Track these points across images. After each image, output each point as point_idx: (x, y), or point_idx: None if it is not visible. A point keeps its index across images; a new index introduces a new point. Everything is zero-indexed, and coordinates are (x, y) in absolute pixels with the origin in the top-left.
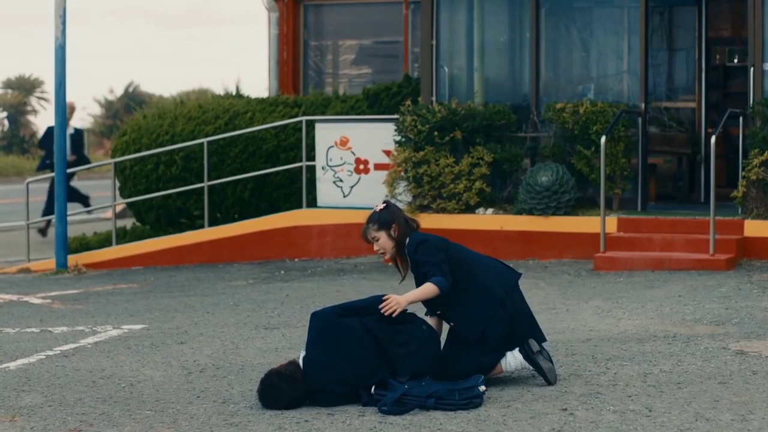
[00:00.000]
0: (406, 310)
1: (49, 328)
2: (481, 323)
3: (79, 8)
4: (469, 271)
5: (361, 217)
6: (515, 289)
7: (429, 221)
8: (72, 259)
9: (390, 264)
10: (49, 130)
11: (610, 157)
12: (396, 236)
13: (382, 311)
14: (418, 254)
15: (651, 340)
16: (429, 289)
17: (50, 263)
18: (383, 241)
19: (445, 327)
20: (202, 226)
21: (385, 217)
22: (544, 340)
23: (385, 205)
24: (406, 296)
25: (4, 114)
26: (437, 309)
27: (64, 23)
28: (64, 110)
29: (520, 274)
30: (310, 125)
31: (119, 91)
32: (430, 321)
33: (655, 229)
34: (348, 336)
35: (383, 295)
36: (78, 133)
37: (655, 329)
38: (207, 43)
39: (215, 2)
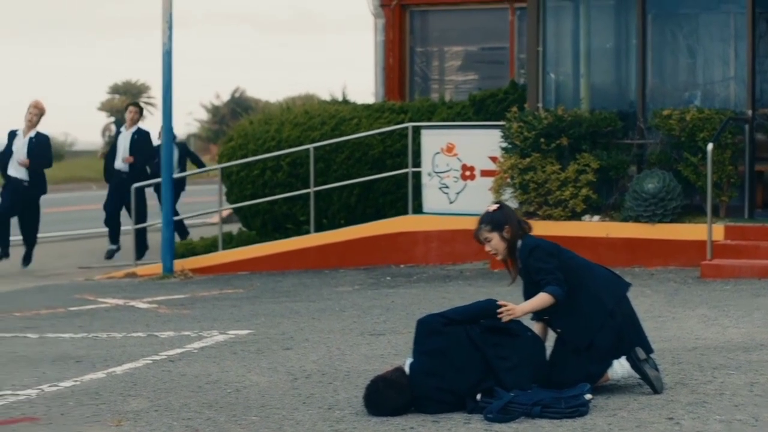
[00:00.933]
0: (509, 322)
1: (156, 333)
2: (590, 332)
3: (184, 12)
4: (580, 279)
5: (466, 224)
6: (625, 298)
7: (535, 228)
8: (178, 264)
9: (496, 271)
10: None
11: (717, 164)
12: (508, 238)
13: (498, 315)
14: (532, 260)
15: (758, 348)
16: (545, 299)
17: (156, 268)
18: (495, 243)
19: (551, 334)
20: (307, 232)
21: (499, 218)
22: (651, 351)
23: (498, 205)
24: (522, 306)
25: (112, 119)
26: (544, 315)
27: (170, 29)
28: (170, 115)
29: (630, 285)
30: (417, 131)
31: (225, 96)
32: (536, 327)
33: (762, 237)
34: (454, 344)
35: (488, 301)
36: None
37: (761, 338)
38: (313, 49)
39: (321, 8)
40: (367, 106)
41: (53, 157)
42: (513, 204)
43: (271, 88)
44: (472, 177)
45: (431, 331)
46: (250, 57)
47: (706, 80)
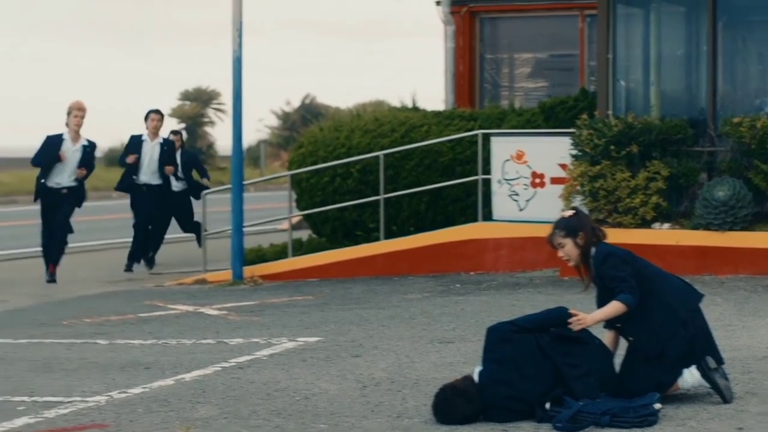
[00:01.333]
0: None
1: (225, 340)
2: (662, 341)
3: (255, 19)
4: (653, 288)
5: (536, 231)
6: (697, 309)
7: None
8: (248, 271)
9: (566, 278)
10: (133, 140)
11: None
12: (582, 245)
13: (569, 324)
14: (605, 267)
15: None
16: (617, 307)
17: (226, 274)
18: (569, 249)
19: (623, 342)
20: (377, 239)
21: (573, 224)
22: (722, 362)
23: (573, 211)
24: (594, 315)
25: (183, 125)
26: (616, 323)
27: (240, 36)
28: (240, 122)
29: (703, 295)
30: (486, 139)
31: (296, 103)
32: (607, 335)
33: None
34: (523, 353)
35: (558, 309)
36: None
37: None
38: (383, 55)
39: (390, 15)
40: (436, 113)
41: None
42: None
43: (341, 95)
44: (542, 184)
45: (501, 339)
46: (320, 63)
47: None
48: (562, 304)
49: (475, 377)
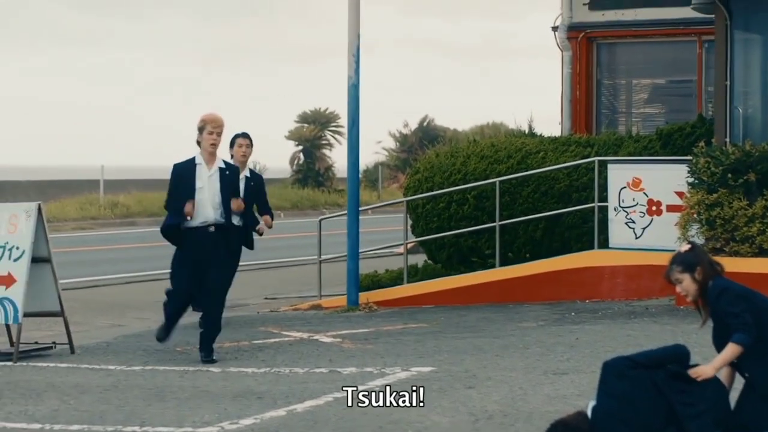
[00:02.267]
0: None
1: (338, 369)
2: None
3: (373, 39)
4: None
5: (652, 259)
6: None
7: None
8: (363, 297)
9: (681, 307)
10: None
11: None
12: (700, 279)
13: (688, 374)
14: (721, 303)
15: None
16: (734, 350)
17: (341, 300)
18: (686, 284)
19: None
20: (493, 266)
21: (690, 259)
22: None
23: (690, 246)
24: (713, 364)
25: (300, 148)
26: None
27: (357, 62)
28: (357, 149)
29: None
30: (603, 166)
31: (414, 125)
32: (723, 370)
33: None
34: (638, 390)
35: (676, 346)
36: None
37: None
38: (502, 76)
39: (508, 35)
40: (553, 139)
41: None
42: (699, 240)
43: (459, 116)
44: (659, 212)
45: (617, 375)
46: (437, 83)
47: None
48: (677, 333)
49: (588, 412)
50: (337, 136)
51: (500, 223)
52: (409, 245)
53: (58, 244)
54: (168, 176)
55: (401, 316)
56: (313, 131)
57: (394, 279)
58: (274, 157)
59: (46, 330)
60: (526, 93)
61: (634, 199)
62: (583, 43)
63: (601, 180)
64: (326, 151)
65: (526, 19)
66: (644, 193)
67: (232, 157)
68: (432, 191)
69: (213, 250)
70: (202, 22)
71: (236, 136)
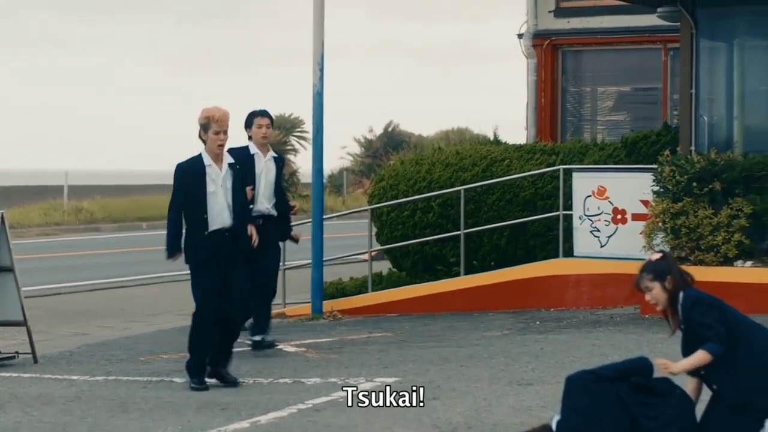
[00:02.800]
0: (657, 380)
1: (302, 379)
2: (749, 391)
3: (338, 44)
4: (741, 336)
5: (617, 268)
6: None
7: None
8: (328, 305)
9: (647, 316)
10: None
11: None
12: (670, 288)
13: (653, 363)
14: (694, 313)
15: None
16: (703, 357)
17: (306, 308)
18: (656, 293)
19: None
20: (458, 274)
21: (661, 268)
22: None
23: (661, 255)
24: (680, 364)
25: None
26: (700, 370)
27: (321, 70)
28: (321, 156)
29: None
30: (568, 174)
31: (379, 130)
32: (690, 382)
33: None
34: (603, 404)
35: (639, 359)
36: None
37: None
38: (465, 82)
39: (474, 41)
40: (518, 147)
41: None
42: (664, 248)
43: (424, 121)
44: (624, 221)
45: (581, 389)
46: (402, 88)
47: None
48: (642, 342)
49: (553, 426)
50: (302, 141)
51: (465, 231)
52: (373, 253)
53: (22, 250)
54: (135, 181)
55: (366, 324)
56: (277, 136)
57: (359, 287)
58: None
59: (9, 339)
60: (491, 99)
61: (599, 208)
62: (549, 51)
63: (566, 188)
64: (291, 157)
65: (492, 25)
66: (609, 201)
67: (250, 138)
68: (397, 199)
69: (231, 253)
70: (172, 25)
71: (254, 115)
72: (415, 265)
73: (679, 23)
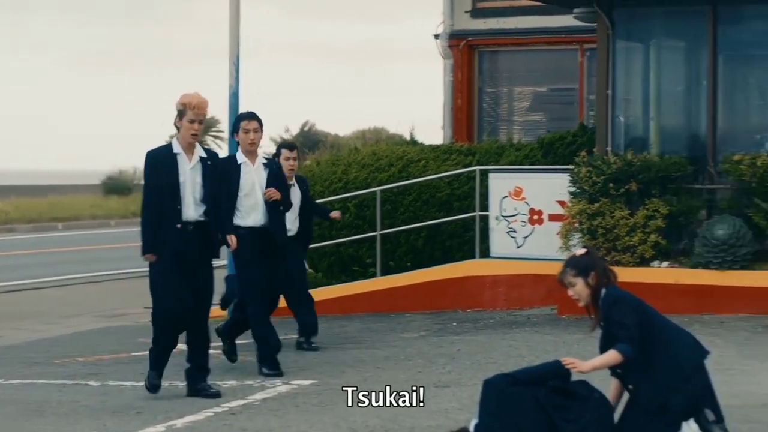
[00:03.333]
0: (575, 383)
1: (218, 382)
2: (664, 393)
3: (255, 42)
4: (659, 338)
5: (534, 269)
6: (703, 366)
7: None
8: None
9: (563, 317)
10: None
11: None
12: (593, 285)
13: (564, 365)
14: (613, 313)
15: None
16: (613, 357)
17: (220, 310)
18: (579, 288)
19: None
20: (374, 275)
21: (585, 264)
22: (722, 420)
23: (585, 250)
24: (591, 362)
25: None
26: (617, 368)
27: (237, 70)
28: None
29: (709, 352)
30: (484, 174)
31: (295, 130)
32: (613, 383)
33: None
34: (520, 408)
35: (556, 362)
36: None
37: None
38: (383, 81)
39: (390, 40)
40: (434, 148)
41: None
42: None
43: (341, 121)
44: (540, 221)
45: (498, 392)
46: (319, 87)
47: None
48: (559, 344)
49: (471, 429)
50: (218, 141)
51: (381, 232)
52: None
53: None
54: (50, 181)
55: (281, 326)
56: None
57: None
58: None
59: None
60: (407, 99)
61: (515, 209)
62: (465, 51)
63: (483, 189)
64: None
65: (408, 24)
66: (526, 202)
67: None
68: (313, 200)
69: (197, 250)
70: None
71: (240, 118)
72: (332, 266)
73: (595, 24)
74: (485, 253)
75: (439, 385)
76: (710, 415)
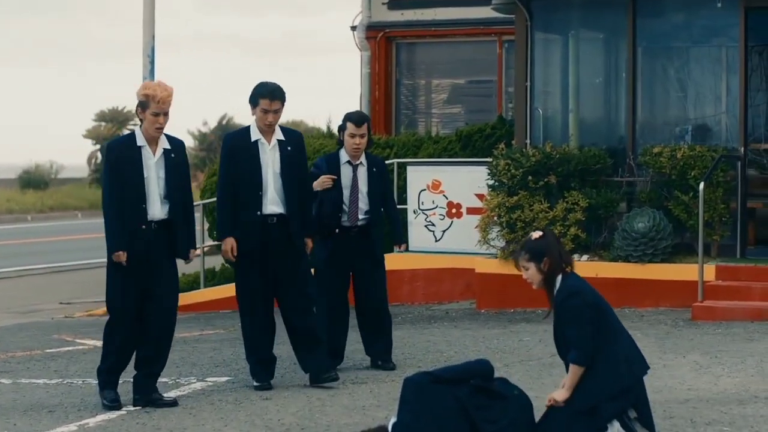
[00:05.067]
0: (496, 381)
1: (132, 380)
2: (599, 398)
3: (172, 35)
4: (609, 340)
5: (452, 262)
6: (641, 381)
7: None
8: None
9: (483, 311)
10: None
11: (708, 202)
12: (546, 270)
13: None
14: (567, 306)
15: (752, 401)
16: (576, 371)
17: None
18: (532, 273)
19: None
20: None
21: (538, 248)
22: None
23: (541, 234)
24: (563, 391)
25: (97, 147)
26: (564, 353)
27: (152, 62)
28: None
29: (649, 368)
30: (402, 167)
31: (213, 123)
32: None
33: (754, 278)
34: (440, 407)
35: (479, 361)
36: None
37: (756, 388)
38: (301, 74)
39: (308, 33)
40: None
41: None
42: (500, 243)
43: None
44: (459, 215)
45: (418, 391)
46: (237, 81)
47: (698, 115)
48: (478, 339)
49: (389, 427)
50: None
51: None
52: (206, 248)
53: None
54: None
55: (198, 322)
56: (110, 130)
57: (191, 283)
58: (72, 155)
59: None
60: (326, 92)
61: (433, 202)
62: (382, 43)
63: (401, 182)
64: None
65: (326, 17)
66: (444, 195)
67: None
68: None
69: (155, 251)
70: None
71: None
72: None
73: (513, 15)
74: None
75: (356, 382)
76: (632, 413)
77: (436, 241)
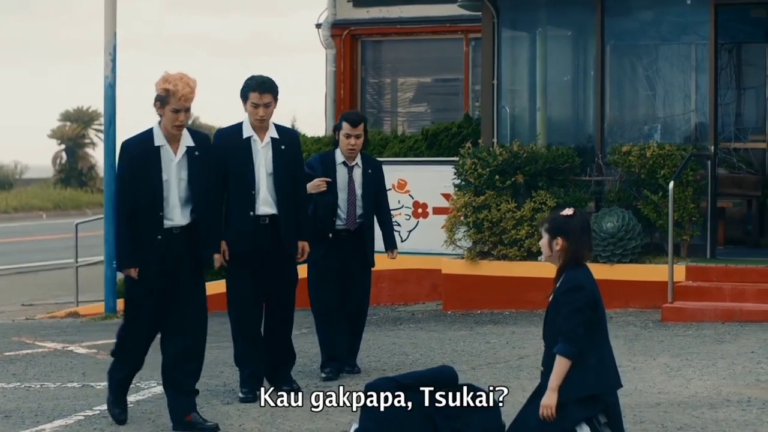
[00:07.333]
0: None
1: (92, 383)
2: (568, 397)
3: (136, 34)
4: (593, 343)
5: (418, 263)
6: (615, 395)
7: (489, 268)
8: (122, 303)
9: (449, 312)
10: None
11: (678, 202)
12: (557, 249)
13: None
14: (566, 298)
15: (724, 405)
16: (563, 364)
17: (99, 307)
18: (543, 243)
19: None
20: None
21: (559, 225)
22: None
23: (571, 214)
24: (550, 388)
25: (62, 147)
26: (550, 345)
27: (114, 60)
28: (113, 149)
29: (622, 386)
30: None
31: None
32: None
33: (725, 278)
34: (402, 414)
35: (442, 367)
36: None
37: (727, 391)
38: (267, 73)
39: (274, 32)
40: (316, 140)
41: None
42: (467, 243)
43: (225, 114)
44: (425, 215)
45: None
46: (203, 81)
47: (667, 113)
48: (444, 341)
49: None
50: (100, 134)
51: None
52: None
53: None
54: None
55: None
56: (75, 130)
57: None
58: (37, 156)
59: None
60: (292, 90)
61: (399, 202)
62: (348, 41)
63: None
64: (89, 150)
65: (293, 16)
66: (410, 195)
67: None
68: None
69: (179, 260)
70: None
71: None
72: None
73: (480, 13)
74: None
75: (320, 386)
76: (603, 418)
77: (402, 241)
